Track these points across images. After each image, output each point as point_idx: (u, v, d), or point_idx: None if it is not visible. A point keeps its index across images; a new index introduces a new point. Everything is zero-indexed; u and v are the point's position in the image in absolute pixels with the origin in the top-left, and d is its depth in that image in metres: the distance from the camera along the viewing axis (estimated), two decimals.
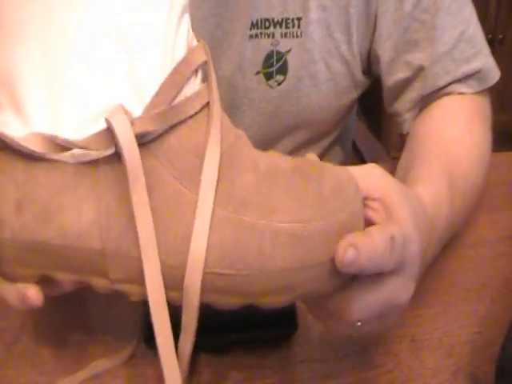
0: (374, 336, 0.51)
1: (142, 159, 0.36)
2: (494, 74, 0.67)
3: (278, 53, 0.67)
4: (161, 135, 0.37)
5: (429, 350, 0.50)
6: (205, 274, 0.36)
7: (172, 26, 0.38)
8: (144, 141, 0.37)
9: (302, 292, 0.38)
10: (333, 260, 0.37)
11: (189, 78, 0.39)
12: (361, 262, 0.37)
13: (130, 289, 0.38)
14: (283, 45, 0.66)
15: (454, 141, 0.61)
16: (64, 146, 0.36)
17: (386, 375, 0.49)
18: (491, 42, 1.80)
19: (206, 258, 0.36)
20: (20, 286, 0.40)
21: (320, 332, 0.51)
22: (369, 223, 0.40)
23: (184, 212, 0.37)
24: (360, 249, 0.37)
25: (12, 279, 0.40)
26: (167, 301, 0.37)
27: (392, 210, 0.40)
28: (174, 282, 0.37)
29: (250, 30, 0.65)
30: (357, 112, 0.98)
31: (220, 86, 0.68)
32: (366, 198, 0.41)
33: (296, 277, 0.37)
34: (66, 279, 0.39)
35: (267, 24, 0.65)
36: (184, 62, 0.38)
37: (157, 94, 0.37)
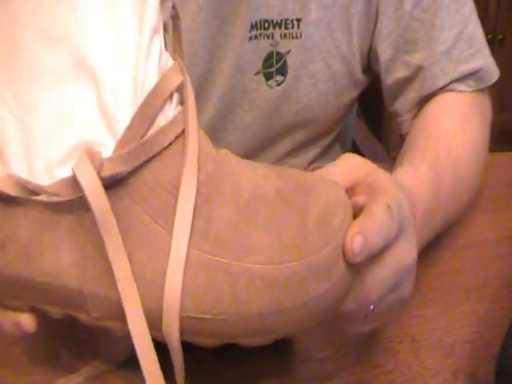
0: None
1: (115, 198, 0.36)
2: (493, 74, 0.67)
3: (278, 53, 0.67)
4: (135, 170, 0.36)
5: (429, 350, 0.50)
6: (181, 317, 0.36)
7: (141, 54, 0.37)
8: (118, 177, 0.36)
9: (281, 332, 0.37)
10: (311, 301, 0.36)
11: (161, 107, 0.37)
12: (370, 243, 0.37)
13: (113, 326, 0.38)
14: (283, 45, 0.66)
15: (445, 134, 0.61)
16: (36, 192, 0.36)
17: (386, 375, 0.49)
18: (491, 42, 1.80)
19: (182, 303, 0.36)
20: (12, 313, 0.41)
21: (320, 332, 0.51)
22: (361, 208, 0.39)
23: (159, 254, 0.36)
24: (366, 232, 0.37)
25: (5, 308, 0.41)
26: (153, 337, 0.37)
27: (376, 183, 0.41)
28: (154, 323, 0.37)
29: (250, 31, 0.65)
30: (357, 112, 0.98)
31: (220, 86, 0.69)
32: (352, 189, 0.41)
33: (273, 320, 0.36)
34: (54, 311, 0.40)
35: (266, 25, 0.65)
36: (155, 91, 0.37)
37: (128, 128, 0.36)
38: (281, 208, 0.37)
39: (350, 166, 0.42)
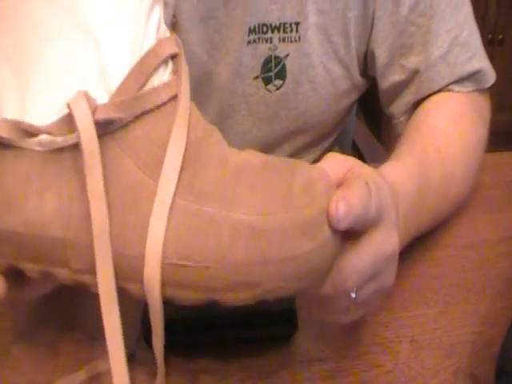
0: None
1: (105, 148, 0.36)
2: (490, 77, 0.67)
3: (276, 57, 0.67)
4: (126, 125, 0.37)
5: (429, 349, 0.50)
6: (164, 265, 0.36)
7: (141, 17, 0.38)
8: (109, 129, 0.37)
9: (264, 289, 0.37)
10: (296, 258, 0.36)
11: (156, 69, 0.38)
12: (354, 211, 0.37)
13: (91, 280, 0.38)
14: (281, 49, 0.66)
15: (435, 130, 0.61)
16: (29, 132, 0.36)
17: (386, 375, 0.49)
18: (491, 42, 1.80)
19: (164, 249, 0.36)
20: None
21: (320, 332, 0.51)
22: None
23: (144, 201, 0.36)
24: (349, 199, 0.37)
25: None
26: (133, 294, 0.37)
27: (359, 173, 0.41)
28: (133, 274, 0.37)
29: (248, 35, 0.65)
30: (357, 112, 0.98)
31: (218, 90, 0.69)
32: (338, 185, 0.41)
33: (257, 272, 0.36)
34: (32, 269, 0.39)
35: (265, 29, 0.65)
36: (151, 52, 0.38)
37: (122, 83, 0.37)
38: (267, 174, 0.38)
39: (334, 166, 0.42)
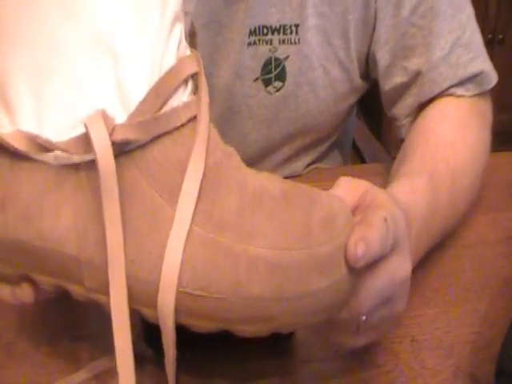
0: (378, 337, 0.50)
1: (122, 168, 0.36)
2: (492, 79, 0.67)
3: (276, 59, 0.67)
4: (144, 145, 0.36)
5: (429, 349, 0.50)
6: (178, 293, 0.36)
7: (162, 35, 0.37)
8: (126, 149, 0.36)
9: (279, 324, 0.37)
10: (311, 294, 0.36)
11: (176, 89, 0.38)
12: (371, 250, 0.37)
13: (104, 300, 0.38)
14: (281, 51, 0.66)
15: (443, 142, 0.61)
16: (45, 147, 0.36)
17: (386, 375, 0.49)
18: (491, 42, 1.80)
19: (180, 277, 0.35)
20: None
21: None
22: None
23: (161, 227, 0.36)
24: (367, 238, 0.37)
25: None
26: (146, 317, 0.37)
27: (374, 201, 0.42)
28: (147, 298, 0.36)
29: (249, 37, 0.65)
30: (357, 112, 0.98)
31: (219, 92, 0.69)
32: (352, 212, 0.41)
33: (272, 307, 0.36)
34: (46, 282, 0.39)
35: (265, 31, 0.65)
36: (172, 71, 0.37)
37: (141, 103, 0.36)
38: (285, 205, 0.38)
39: (347, 191, 0.42)
